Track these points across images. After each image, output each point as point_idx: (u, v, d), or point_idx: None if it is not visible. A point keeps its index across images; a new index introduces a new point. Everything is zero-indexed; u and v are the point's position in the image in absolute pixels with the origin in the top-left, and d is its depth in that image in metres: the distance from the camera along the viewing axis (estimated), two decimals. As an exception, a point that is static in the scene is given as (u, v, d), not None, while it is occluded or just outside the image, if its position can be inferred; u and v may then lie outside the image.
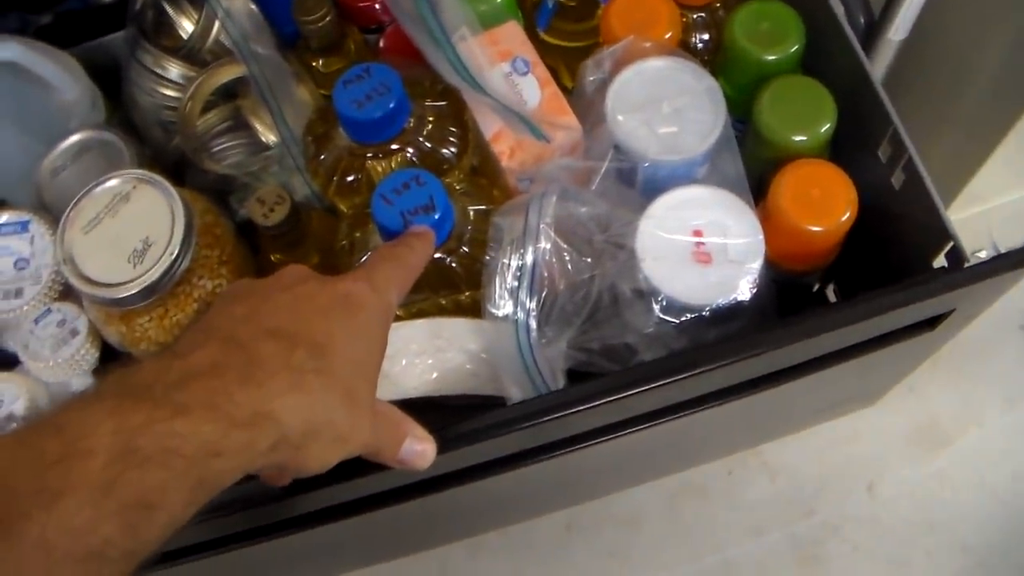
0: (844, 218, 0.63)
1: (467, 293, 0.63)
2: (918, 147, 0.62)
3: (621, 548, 0.88)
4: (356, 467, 0.52)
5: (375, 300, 0.50)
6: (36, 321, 0.70)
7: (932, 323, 0.62)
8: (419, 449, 0.52)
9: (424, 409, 0.60)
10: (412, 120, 0.64)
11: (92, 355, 0.70)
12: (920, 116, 0.66)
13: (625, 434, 0.61)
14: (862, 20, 0.75)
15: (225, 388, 0.42)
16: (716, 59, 0.71)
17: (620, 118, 0.65)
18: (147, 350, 0.68)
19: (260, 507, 0.57)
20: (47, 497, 0.36)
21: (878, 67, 0.76)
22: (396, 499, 0.61)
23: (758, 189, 0.66)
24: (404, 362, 0.61)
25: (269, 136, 0.75)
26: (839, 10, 0.67)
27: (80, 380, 0.71)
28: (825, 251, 0.66)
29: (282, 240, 0.69)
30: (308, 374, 0.45)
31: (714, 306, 0.60)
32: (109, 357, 0.71)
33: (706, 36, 0.73)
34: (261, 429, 0.42)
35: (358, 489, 0.59)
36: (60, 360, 0.69)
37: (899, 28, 0.74)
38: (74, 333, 0.69)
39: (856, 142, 0.67)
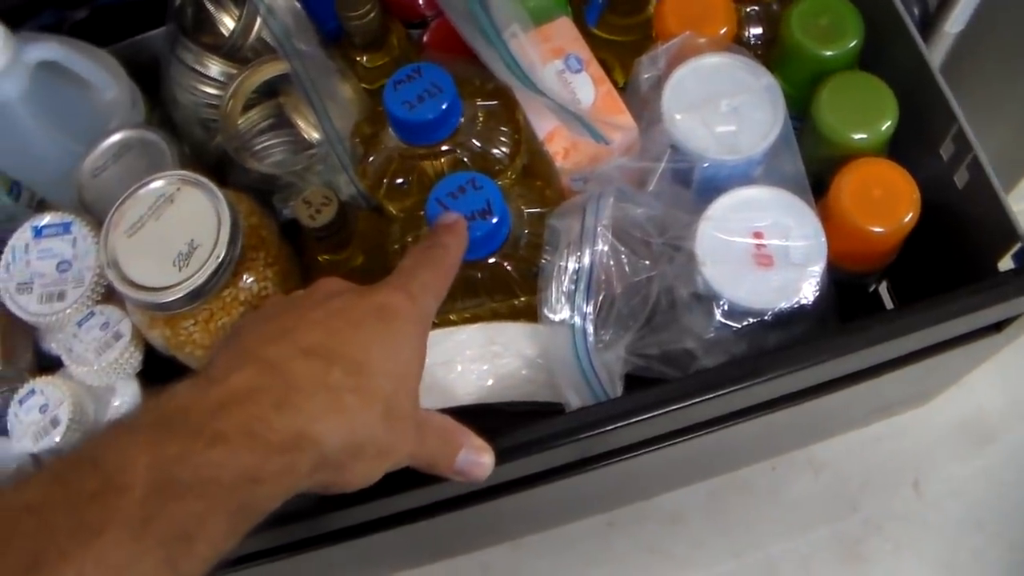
0: (907, 219, 0.61)
1: (523, 297, 0.61)
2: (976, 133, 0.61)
3: (663, 544, 0.87)
4: (403, 480, 0.51)
5: (412, 309, 0.49)
6: (79, 324, 0.69)
7: (999, 326, 0.60)
8: (476, 460, 0.51)
9: (480, 415, 0.59)
10: (463, 120, 0.63)
11: (136, 358, 0.69)
12: (974, 108, 0.64)
13: (682, 441, 0.60)
14: (916, 12, 0.73)
15: (262, 413, 0.41)
16: (770, 54, 0.70)
17: (677, 117, 0.63)
18: (192, 353, 0.67)
19: (303, 521, 0.56)
20: (85, 535, 0.35)
21: (934, 60, 0.74)
22: (447, 509, 0.60)
23: (816, 187, 0.64)
24: (460, 368, 0.60)
25: (312, 134, 0.74)
26: (900, 4, 0.65)
27: (124, 383, 0.71)
28: (886, 252, 0.65)
29: (328, 241, 0.68)
30: (346, 393, 0.44)
31: (776, 310, 0.59)
32: (152, 360, 0.70)
33: (759, 30, 0.71)
34: (301, 452, 0.42)
35: (406, 501, 0.58)
36: (104, 364, 0.68)
37: (956, 20, 0.72)
38: (118, 336, 0.68)
39: (917, 139, 0.65)
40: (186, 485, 0.38)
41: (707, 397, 0.55)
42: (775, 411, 0.61)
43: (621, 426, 0.55)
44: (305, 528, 0.59)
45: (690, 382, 0.56)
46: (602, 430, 0.54)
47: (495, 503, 0.60)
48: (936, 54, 0.75)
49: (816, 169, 0.64)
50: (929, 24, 0.73)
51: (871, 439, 0.88)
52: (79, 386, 0.69)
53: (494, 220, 0.57)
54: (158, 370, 0.71)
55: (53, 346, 0.72)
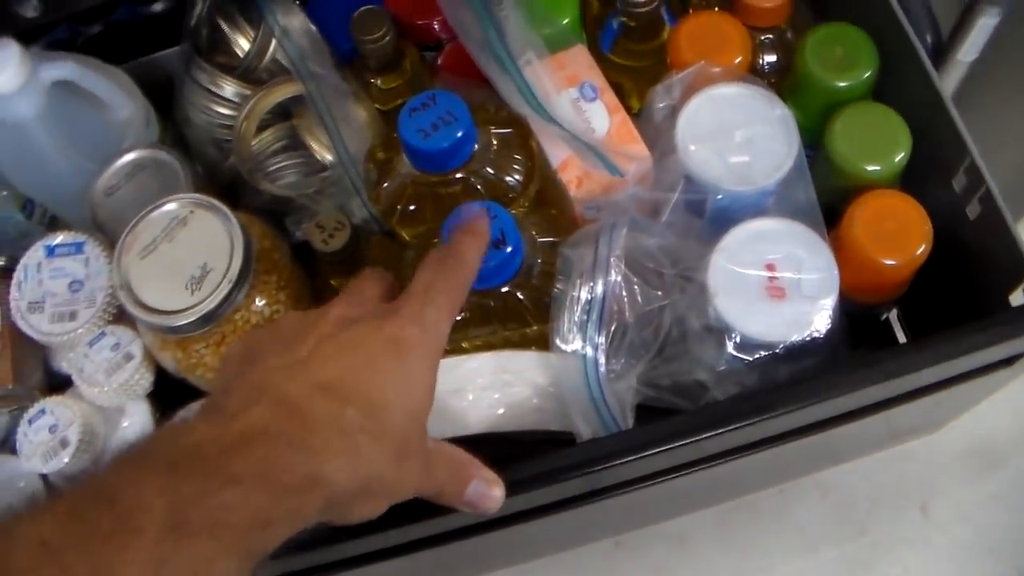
0: (919, 251, 0.61)
1: (535, 326, 0.61)
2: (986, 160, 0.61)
3: (670, 565, 0.87)
4: (409, 511, 0.51)
5: (425, 341, 0.48)
6: (90, 344, 0.69)
7: (1010, 361, 0.60)
8: (486, 492, 0.51)
9: (491, 444, 0.59)
10: (477, 148, 0.63)
11: (147, 379, 0.69)
12: (987, 136, 0.65)
13: (692, 472, 0.60)
14: (930, 40, 0.73)
15: (277, 456, 0.41)
16: (784, 82, 0.70)
17: (691, 147, 0.63)
18: (202, 376, 0.68)
19: (308, 552, 0.56)
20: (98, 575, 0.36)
21: (947, 90, 0.74)
22: (453, 539, 0.60)
23: (829, 217, 0.64)
24: (471, 397, 0.60)
25: (326, 156, 0.74)
26: (913, 36, 0.65)
27: (134, 404, 0.71)
28: (898, 284, 0.65)
29: (341, 266, 0.68)
30: (359, 434, 0.44)
31: (788, 343, 0.59)
32: (163, 381, 0.71)
33: (773, 58, 0.71)
34: (311, 495, 0.42)
35: (411, 532, 0.58)
36: (114, 385, 0.68)
37: (969, 49, 0.72)
38: (129, 357, 0.68)
39: (929, 171, 0.65)
40: (199, 527, 0.38)
41: (718, 432, 0.55)
42: (786, 443, 0.61)
43: (632, 460, 0.55)
44: (310, 559, 0.59)
45: (702, 416, 0.56)
46: (613, 463, 0.54)
47: (503, 532, 0.60)
48: (949, 82, 0.75)
49: (828, 199, 0.64)
50: (942, 52, 0.73)
51: (879, 462, 0.88)
52: (89, 407, 0.69)
53: (508, 249, 0.57)
54: (169, 391, 0.71)
55: (64, 365, 0.72)
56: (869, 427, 0.65)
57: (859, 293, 0.64)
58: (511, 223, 0.58)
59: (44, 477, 0.69)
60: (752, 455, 0.61)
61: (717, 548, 0.87)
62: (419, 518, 0.54)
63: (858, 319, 0.66)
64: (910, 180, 0.66)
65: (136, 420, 0.71)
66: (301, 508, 0.41)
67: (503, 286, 0.60)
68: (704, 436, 0.55)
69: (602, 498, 0.60)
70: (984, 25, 0.71)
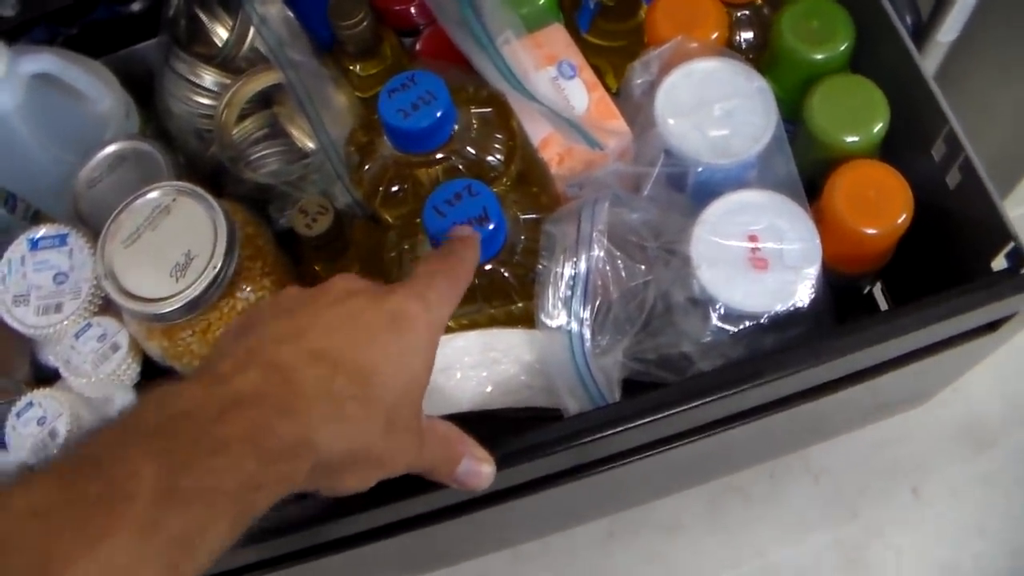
0: (900, 220, 0.62)
1: (520, 303, 0.62)
2: (968, 138, 0.61)
3: (662, 553, 0.87)
4: (402, 488, 0.51)
5: (426, 319, 0.48)
6: (76, 336, 0.69)
7: (993, 326, 0.61)
8: (476, 470, 0.51)
9: (480, 421, 0.59)
10: (458, 128, 0.63)
11: (134, 369, 0.69)
12: (968, 114, 0.65)
13: (680, 445, 0.61)
14: (909, 20, 0.73)
15: (266, 420, 0.41)
16: (762, 58, 0.70)
17: (671, 122, 0.63)
18: (189, 364, 0.68)
19: (301, 531, 0.56)
20: (91, 538, 0.35)
21: (928, 66, 0.74)
22: (446, 516, 0.60)
23: (810, 190, 0.64)
24: (459, 375, 0.60)
25: (307, 143, 0.74)
26: (889, 6, 0.66)
27: (122, 394, 0.70)
28: (880, 253, 0.65)
29: (325, 250, 0.68)
30: (348, 401, 0.44)
31: (772, 313, 0.59)
32: (150, 370, 0.71)
33: (750, 34, 0.72)
34: (300, 459, 0.42)
35: (404, 509, 0.58)
36: (102, 375, 0.68)
37: (949, 29, 0.73)
38: (115, 348, 0.68)
39: (908, 141, 0.65)
40: (190, 493, 0.38)
41: (704, 401, 0.55)
42: (773, 414, 0.61)
43: (619, 431, 0.55)
44: (303, 539, 0.59)
45: (687, 386, 0.56)
46: (600, 435, 0.55)
47: (495, 509, 0.60)
48: (930, 62, 0.76)
49: (809, 172, 0.65)
50: (922, 33, 0.74)
51: (870, 444, 0.88)
52: (77, 398, 0.69)
53: (491, 226, 0.57)
54: (156, 381, 0.71)
55: (51, 358, 0.72)
56: (855, 398, 0.65)
57: (842, 264, 0.64)
58: (493, 200, 0.58)
59: (33, 470, 0.69)
60: (739, 427, 0.61)
61: (710, 534, 0.88)
62: (408, 495, 0.54)
63: (842, 292, 0.67)
64: (890, 151, 0.67)
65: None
66: (291, 473, 0.41)
67: (487, 263, 0.60)
68: (690, 406, 0.55)
69: (591, 473, 0.60)
70: (963, 5, 0.72)
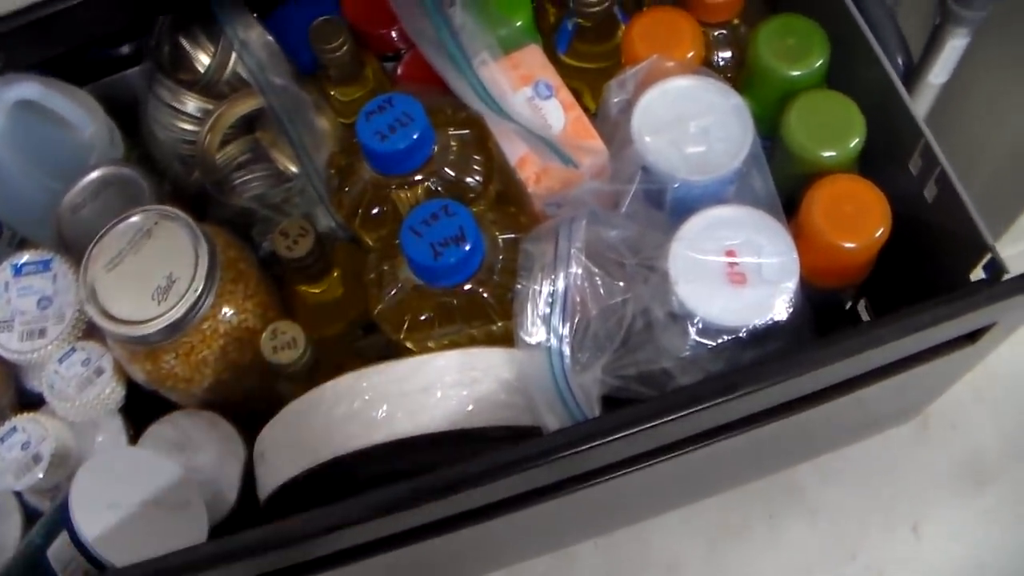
0: (878, 233, 0.62)
1: (499, 323, 0.62)
2: (960, 178, 0.61)
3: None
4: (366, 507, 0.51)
5: None
6: (60, 361, 0.69)
7: (973, 337, 0.61)
8: None
9: (461, 441, 0.59)
10: (436, 149, 0.63)
11: (118, 393, 0.70)
12: (961, 153, 0.65)
13: (662, 460, 0.61)
14: (900, 61, 0.73)
15: None
16: (739, 76, 0.71)
17: (647, 139, 0.64)
18: (173, 387, 0.68)
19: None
20: None
21: (919, 108, 0.75)
22: (416, 538, 0.60)
23: (788, 206, 0.65)
24: (439, 394, 0.60)
25: (290, 167, 0.74)
26: (862, 22, 0.66)
27: (107, 419, 0.71)
28: (859, 267, 0.65)
29: (306, 272, 0.69)
30: None
31: (751, 327, 0.59)
32: (135, 395, 0.71)
33: (728, 53, 0.72)
34: None
35: (369, 532, 0.58)
36: (86, 400, 0.68)
37: (940, 72, 0.73)
38: (99, 372, 0.69)
39: (885, 156, 0.66)
40: None
41: (683, 414, 0.55)
42: (754, 428, 0.61)
43: (598, 444, 0.54)
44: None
45: (667, 400, 0.56)
46: (579, 449, 0.54)
47: (472, 530, 0.60)
48: (921, 104, 0.76)
49: (787, 188, 0.65)
50: (913, 74, 0.74)
51: (869, 482, 0.88)
52: (61, 423, 0.69)
53: (467, 247, 0.58)
54: (141, 406, 0.71)
55: (35, 384, 0.72)
56: (840, 411, 0.65)
57: (821, 278, 0.64)
58: (470, 220, 0.59)
59: (19, 495, 0.69)
60: (721, 442, 0.61)
61: (709, 576, 0.87)
62: (379, 513, 0.54)
63: (824, 307, 0.67)
64: (867, 166, 0.67)
65: (109, 434, 0.71)
66: None
67: (465, 283, 0.61)
68: (668, 419, 0.55)
69: (572, 490, 0.60)
70: (953, 47, 0.72)
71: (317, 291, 0.71)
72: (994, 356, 0.71)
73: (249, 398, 0.70)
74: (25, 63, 0.68)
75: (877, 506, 0.87)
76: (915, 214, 0.64)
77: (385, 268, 0.64)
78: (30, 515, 0.69)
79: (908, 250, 0.65)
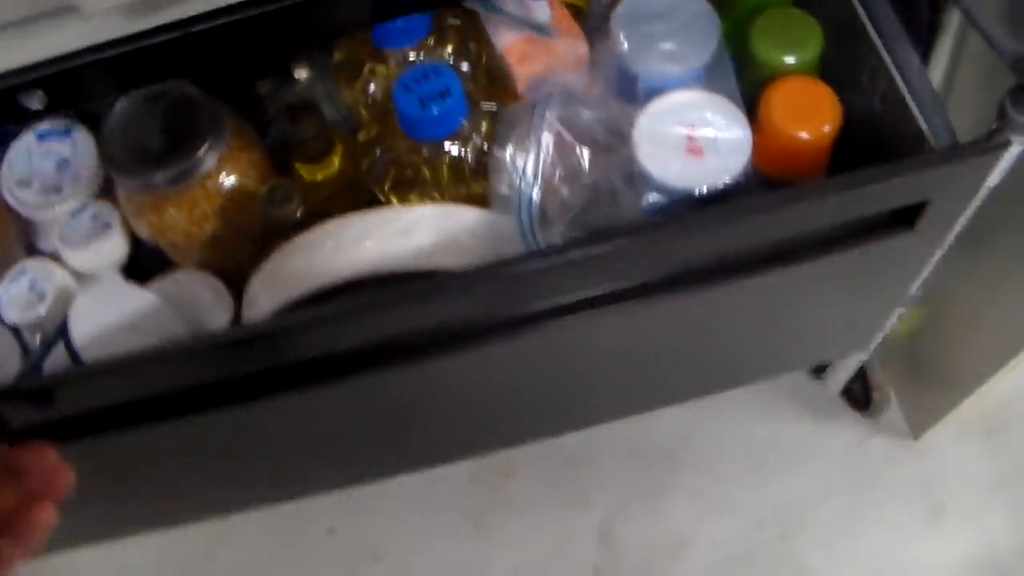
0: (828, 127, 0.68)
1: (475, 187, 0.68)
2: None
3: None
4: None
5: None
6: (72, 215, 0.74)
7: (909, 219, 0.66)
8: None
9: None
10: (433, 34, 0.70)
11: (122, 248, 0.75)
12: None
13: (594, 309, 0.65)
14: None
15: None
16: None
17: (624, 34, 0.70)
18: (174, 241, 0.73)
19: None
20: None
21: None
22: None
23: (751, 114, 0.70)
24: (414, 239, 0.65)
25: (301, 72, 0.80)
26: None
27: (110, 275, 0.75)
28: (813, 160, 0.71)
29: (308, 151, 0.74)
30: None
31: (703, 191, 0.65)
32: (135, 268, 0.76)
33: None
34: None
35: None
36: (93, 251, 0.73)
37: (994, 176, 0.70)
38: (107, 227, 0.74)
39: (841, 67, 0.71)
40: None
41: (617, 241, 0.60)
42: (686, 291, 0.66)
43: (550, 268, 0.60)
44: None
45: (607, 232, 0.61)
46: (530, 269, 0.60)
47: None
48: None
49: (750, 94, 0.71)
50: None
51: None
52: (67, 271, 0.74)
53: (451, 99, 0.64)
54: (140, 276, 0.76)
55: (45, 245, 0.77)
56: (777, 300, 0.70)
57: (779, 171, 0.70)
58: (456, 81, 0.65)
59: (16, 331, 0.73)
60: (652, 300, 0.66)
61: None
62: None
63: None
64: (824, 77, 0.73)
65: (110, 289, 0.75)
66: None
67: (447, 139, 0.66)
68: (600, 246, 0.60)
69: (500, 337, 0.65)
70: (1009, 153, 0.68)
71: (318, 176, 0.76)
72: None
73: (242, 266, 0.75)
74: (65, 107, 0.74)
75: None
76: (867, 125, 0.70)
77: (376, 132, 0.70)
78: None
79: (858, 155, 0.70)
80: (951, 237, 0.70)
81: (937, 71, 0.84)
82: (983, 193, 0.67)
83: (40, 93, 0.68)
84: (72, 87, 0.68)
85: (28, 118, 0.72)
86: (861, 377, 1.08)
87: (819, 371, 1.13)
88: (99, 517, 0.86)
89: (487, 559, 1.05)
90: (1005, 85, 0.65)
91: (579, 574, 1.03)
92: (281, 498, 0.94)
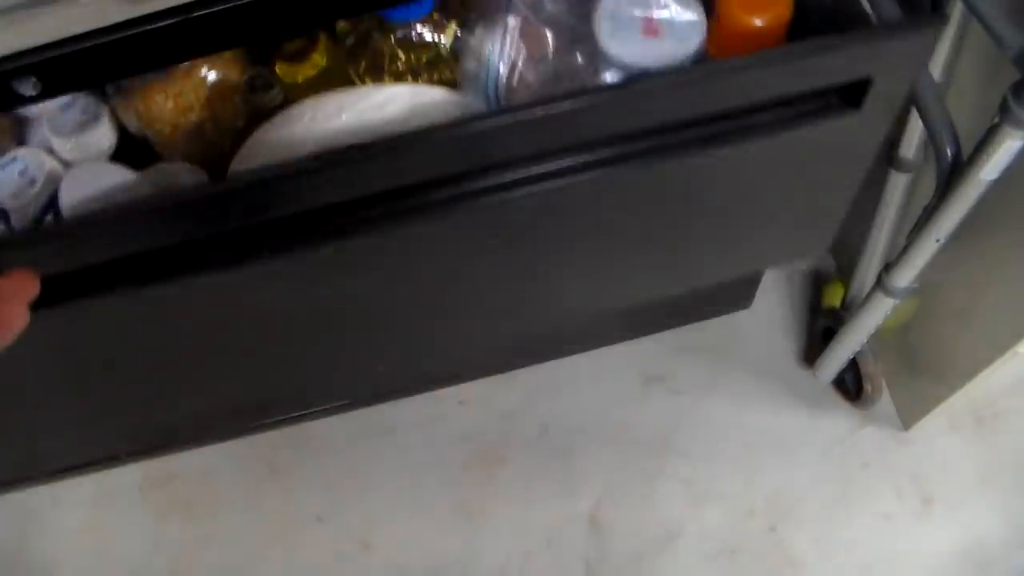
0: (782, 13, 0.71)
1: (447, 70, 0.71)
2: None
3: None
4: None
5: None
6: (62, 109, 0.78)
7: (854, 98, 0.69)
8: None
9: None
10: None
11: (110, 138, 0.78)
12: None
13: (557, 179, 0.68)
14: (950, 153, 0.78)
15: None
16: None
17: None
18: (161, 130, 0.76)
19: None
20: None
21: (967, 203, 0.80)
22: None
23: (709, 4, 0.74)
24: (387, 112, 0.69)
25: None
26: None
27: (97, 164, 0.79)
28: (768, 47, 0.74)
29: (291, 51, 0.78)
30: None
31: (660, 68, 0.68)
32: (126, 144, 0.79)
33: None
34: None
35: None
36: (83, 141, 0.76)
37: (992, 169, 0.75)
38: (96, 118, 0.77)
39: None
40: None
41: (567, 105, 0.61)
42: (640, 162, 0.68)
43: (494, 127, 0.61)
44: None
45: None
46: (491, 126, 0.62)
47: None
48: (966, 198, 0.79)
49: None
50: (960, 167, 0.78)
51: (870, 567, 0.93)
52: (57, 160, 0.77)
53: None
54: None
55: (35, 143, 0.81)
56: (720, 191, 0.74)
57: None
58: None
59: (4, 213, 0.76)
60: (615, 166, 0.68)
61: None
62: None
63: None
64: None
65: (99, 176, 0.79)
66: None
67: (421, 20, 0.70)
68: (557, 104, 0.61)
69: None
70: (1009, 148, 0.72)
71: (299, 77, 0.79)
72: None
73: (225, 160, 0.78)
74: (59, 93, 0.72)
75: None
76: (818, 10, 0.73)
77: (356, 28, 0.74)
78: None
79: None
80: (892, 119, 0.73)
81: (937, 63, 0.86)
82: (981, 187, 0.72)
83: (33, 79, 0.67)
84: (68, 73, 0.67)
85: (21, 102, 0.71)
86: (853, 367, 1.11)
87: (811, 360, 1.16)
88: (81, 418, 0.89)
89: (479, 549, 1.06)
90: (1006, 78, 0.69)
91: (570, 565, 1.04)
92: (256, 411, 0.95)
